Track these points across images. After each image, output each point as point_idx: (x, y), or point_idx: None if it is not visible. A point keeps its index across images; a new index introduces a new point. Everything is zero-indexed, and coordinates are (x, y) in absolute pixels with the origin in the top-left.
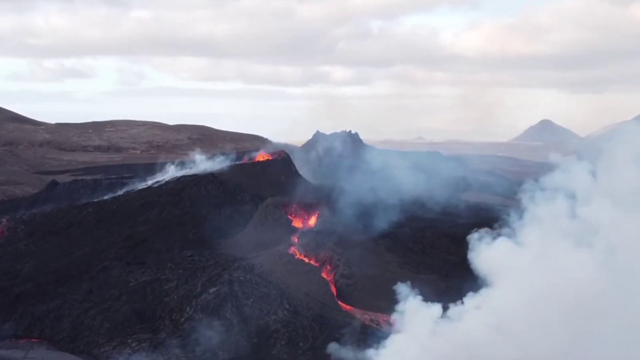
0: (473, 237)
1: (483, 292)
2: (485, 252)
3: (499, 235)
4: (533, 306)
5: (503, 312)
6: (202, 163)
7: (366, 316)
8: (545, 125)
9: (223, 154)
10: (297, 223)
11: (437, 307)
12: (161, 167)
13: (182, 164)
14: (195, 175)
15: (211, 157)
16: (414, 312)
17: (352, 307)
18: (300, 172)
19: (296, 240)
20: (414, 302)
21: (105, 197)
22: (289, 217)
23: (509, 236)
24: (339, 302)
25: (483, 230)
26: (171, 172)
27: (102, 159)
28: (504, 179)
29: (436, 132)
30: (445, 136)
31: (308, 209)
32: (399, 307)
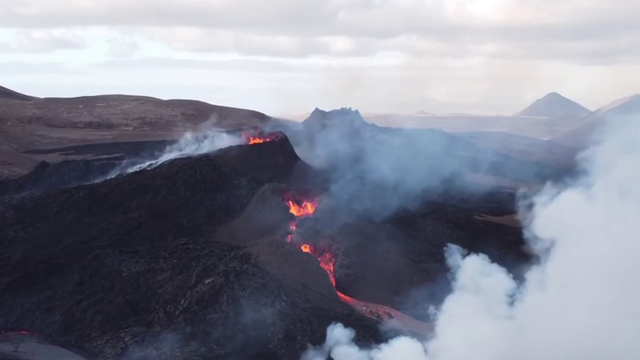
0: (523, 193)
1: (545, 266)
2: (547, 210)
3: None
4: (596, 287)
5: (562, 296)
6: (218, 138)
7: (366, 308)
8: (553, 99)
9: (240, 129)
10: (295, 210)
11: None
12: (171, 142)
13: (200, 139)
14: (189, 157)
15: (230, 132)
16: (478, 270)
17: (351, 299)
18: (298, 152)
19: (294, 228)
20: (477, 259)
21: (97, 181)
22: (287, 203)
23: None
24: (338, 293)
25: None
26: (188, 146)
27: (93, 136)
28: (510, 158)
29: (440, 105)
30: (449, 110)
31: (306, 194)
32: (455, 264)
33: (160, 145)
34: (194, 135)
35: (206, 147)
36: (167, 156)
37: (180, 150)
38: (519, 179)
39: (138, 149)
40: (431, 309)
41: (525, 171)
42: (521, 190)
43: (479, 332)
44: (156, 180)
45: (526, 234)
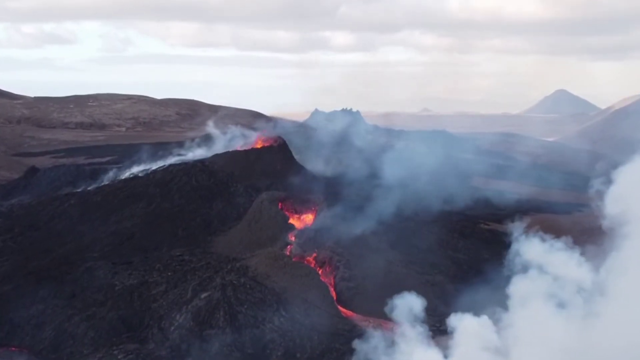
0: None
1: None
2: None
3: None
4: None
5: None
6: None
7: (369, 323)
8: (561, 96)
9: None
10: (294, 220)
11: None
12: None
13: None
14: (184, 163)
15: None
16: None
17: (353, 313)
18: (297, 157)
19: (293, 238)
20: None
21: (89, 187)
22: (286, 213)
23: None
24: (339, 308)
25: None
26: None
27: (85, 137)
28: (517, 161)
29: (444, 103)
30: (454, 108)
31: (306, 203)
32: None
33: (156, 147)
34: (219, 128)
35: (239, 142)
36: (195, 152)
37: (209, 145)
38: (532, 184)
39: (132, 151)
40: (498, 311)
41: (531, 174)
42: (600, 166)
43: (549, 327)
44: (150, 187)
45: (604, 224)
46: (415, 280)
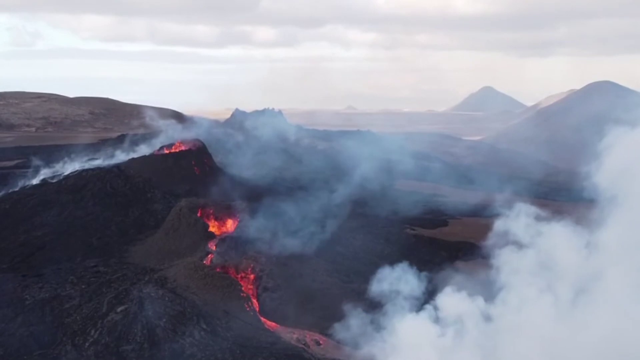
0: None
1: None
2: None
3: None
4: None
5: None
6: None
7: (293, 335)
8: (487, 93)
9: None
10: (214, 228)
11: None
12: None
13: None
14: (99, 169)
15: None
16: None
17: (276, 325)
18: (218, 160)
19: (214, 247)
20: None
21: None
22: (206, 220)
23: None
24: (263, 319)
25: None
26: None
27: None
28: (443, 163)
29: (369, 100)
30: (379, 105)
31: (227, 210)
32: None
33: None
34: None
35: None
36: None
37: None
38: (458, 186)
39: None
40: None
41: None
42: None
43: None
44: (62, 194)
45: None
46: (340, 289)
